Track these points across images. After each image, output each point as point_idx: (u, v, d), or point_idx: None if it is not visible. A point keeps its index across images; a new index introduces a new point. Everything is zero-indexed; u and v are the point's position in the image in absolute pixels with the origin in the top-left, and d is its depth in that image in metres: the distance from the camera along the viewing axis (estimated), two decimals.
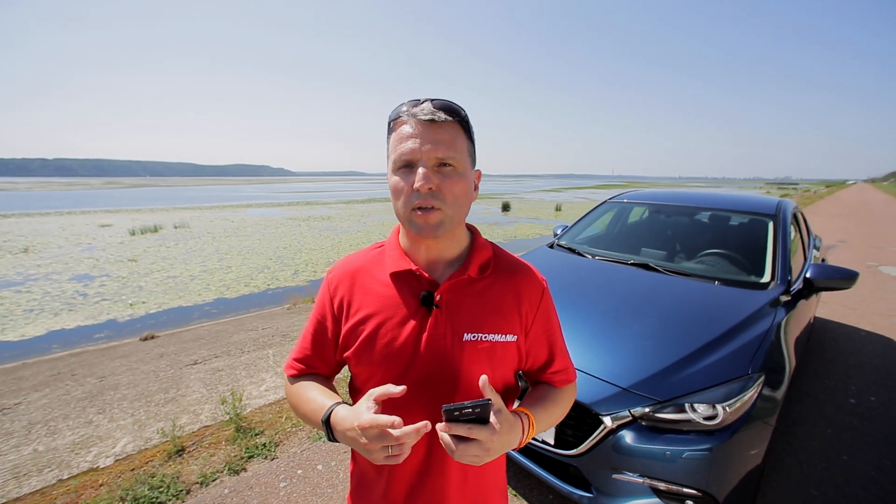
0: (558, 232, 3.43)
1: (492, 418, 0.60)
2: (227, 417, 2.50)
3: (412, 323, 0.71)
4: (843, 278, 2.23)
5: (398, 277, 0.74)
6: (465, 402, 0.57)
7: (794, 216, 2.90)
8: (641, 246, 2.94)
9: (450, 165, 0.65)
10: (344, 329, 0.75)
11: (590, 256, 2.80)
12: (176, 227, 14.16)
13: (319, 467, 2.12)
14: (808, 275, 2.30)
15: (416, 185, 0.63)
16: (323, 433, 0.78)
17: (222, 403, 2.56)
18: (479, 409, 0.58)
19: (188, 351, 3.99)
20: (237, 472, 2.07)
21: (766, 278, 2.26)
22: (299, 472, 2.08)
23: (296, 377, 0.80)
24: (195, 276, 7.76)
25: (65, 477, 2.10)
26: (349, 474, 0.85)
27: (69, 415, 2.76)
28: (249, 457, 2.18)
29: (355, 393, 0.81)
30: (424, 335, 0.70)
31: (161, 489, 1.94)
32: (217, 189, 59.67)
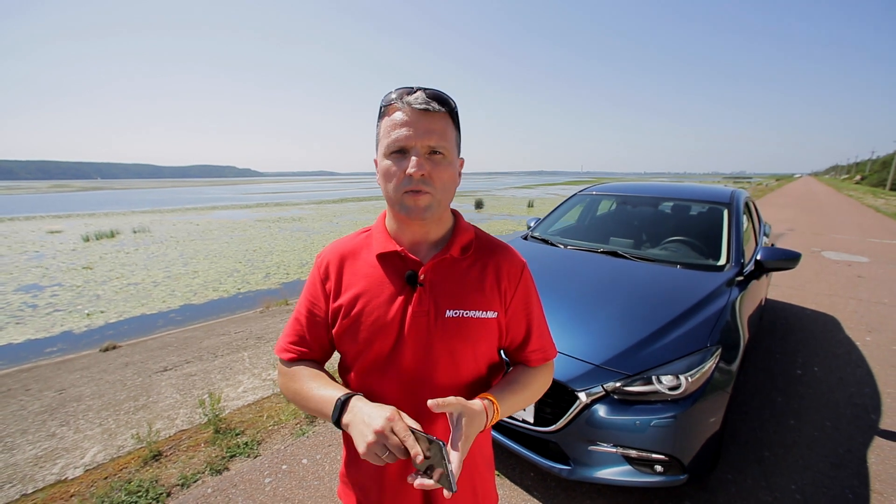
0: (532, 224, 3.54)
1: (449, 448, 0.62)
2: (205, 420, 2.43)
3: (398, 301, 0.75)
4: (788, 259, 2.45)
5: (384, 258, 0.78)
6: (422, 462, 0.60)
7: (747, 204, 3.14)
8: (610, 235, 3.10)
9: (440, 154, 0.70)
10: (332, 307, 0.79)
11: (562, 246, 2.92)
12: (135, 232, 13.41)
13: (304, 461, 2.11)
14: (758, 257, 2.51)
15: (410, 171, 0.68)
16: (316, 418, 0.80)
17: (200, 406, 2.49)
18: (430, 455, 0.60)
19: (156, 358, 3.83)
20: (219, 472, 2.03)
21: (723, 261, 2.45)
22: (284, 467, 2.07)
23: (293, 361, 0.82)
24: (158, 283, 7.41)
25: (29, 491, 2.00)
26: (342, 449, 0.88)
27: (27, 429, 2.60)
28: (231, 456, 2.15)
29: (346, 373, 0.84)
30: (409, 312, 0.75)
31: (139, 493, 1.88)
32: (179, 191, 56.75)
